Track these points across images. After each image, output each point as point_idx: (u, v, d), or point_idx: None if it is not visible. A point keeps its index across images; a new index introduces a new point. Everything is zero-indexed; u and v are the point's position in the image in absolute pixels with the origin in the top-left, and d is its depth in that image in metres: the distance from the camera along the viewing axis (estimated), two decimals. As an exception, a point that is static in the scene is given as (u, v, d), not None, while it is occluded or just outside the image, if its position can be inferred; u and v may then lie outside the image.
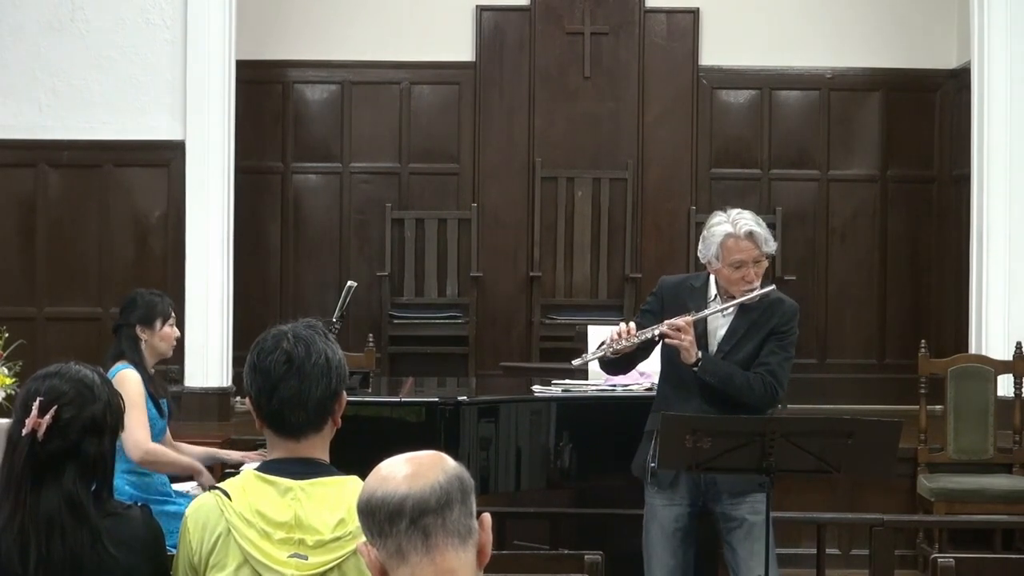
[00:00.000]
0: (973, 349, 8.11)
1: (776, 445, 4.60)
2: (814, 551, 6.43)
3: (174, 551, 2.88)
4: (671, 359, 5.05)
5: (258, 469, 2.87)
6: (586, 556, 4.18)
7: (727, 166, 9.79)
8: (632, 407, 5.49)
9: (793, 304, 5.13)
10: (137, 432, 5.20)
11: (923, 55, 9.65)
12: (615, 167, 9.71)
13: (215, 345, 8.20)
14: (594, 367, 5.48)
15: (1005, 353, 7.55)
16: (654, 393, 5.30)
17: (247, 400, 2.91)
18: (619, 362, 5.12)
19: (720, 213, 5.08)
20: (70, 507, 2.76)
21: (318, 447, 2.86)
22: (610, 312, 8.96)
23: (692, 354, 4.91)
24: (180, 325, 5.91)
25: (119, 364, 5.32)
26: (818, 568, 6.28)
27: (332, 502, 2.77)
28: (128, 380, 5.21)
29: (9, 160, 8.43)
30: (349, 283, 6.29)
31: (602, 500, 6.22)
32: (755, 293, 4.98)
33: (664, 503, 5.05)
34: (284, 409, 2.83)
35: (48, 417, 2.78)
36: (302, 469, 2.82)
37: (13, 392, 5.97)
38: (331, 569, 2.75)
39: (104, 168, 8.45)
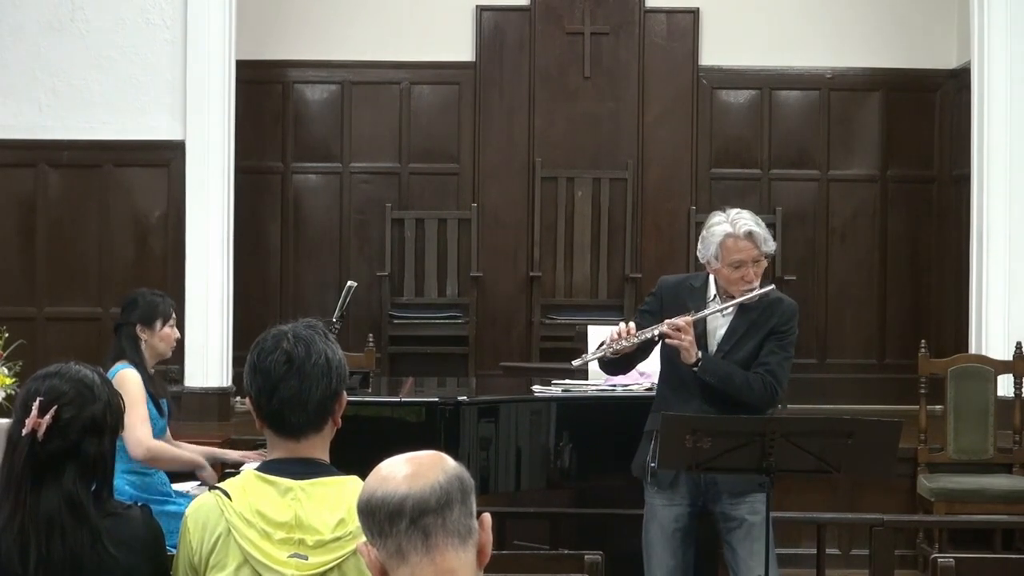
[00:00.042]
0: (973, 349, 8.11)
1: (776, 445, 4.60)
2: (814, 551, 6.43)
3: (174, 551, 2.88)
4: (671, 359, 5.04)
5: (258, 469, 2.87)
6: (586, 556, 4.18)
7: (727, 166, 9.79)
8: (632, 407, 5.49)
9: (792, 304, 5.13)
10: (139, 430, 5.21)
11: (923, 55, 9.65)
12: (615, 167, 9.71)
13: (215, 345, 8.20)
14: (594, 367, 5.48)
15: (1005, 353, 7.55)
16: (654, 393, 5.29)
17: (247, 400, 2.91)
18: (618, 362, 5.11)
19: (719, 213, 5.08)
20: (70, 507, 2.76)
21: (318, 447, 2.86)
22: (610, 312, 8.96)
23: (692, 354, 4.91)
24: (180, 325, 5.92)
25: (119, 364, 5.33)
26: (818, 568, 6.28)
27: (332, 502, 2.77)
28: (128, 379, 5.22)
29: (9, 160, 8.43)
30: (349, 283, 6.29)
31: (602, 500, 6.21)
32: (754, 293, 4.98)
33: (664, 503, 5.05)
34: (284, 409, 2.83)
35: (48, 417, 2.78)
36: (302, 469, 2.82)
37: (13, 392, 5.97)
38: (331, 569, 2.75)
39: (104, 168, 8.45)
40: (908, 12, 9.66)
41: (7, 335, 6.52)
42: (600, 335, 5.29)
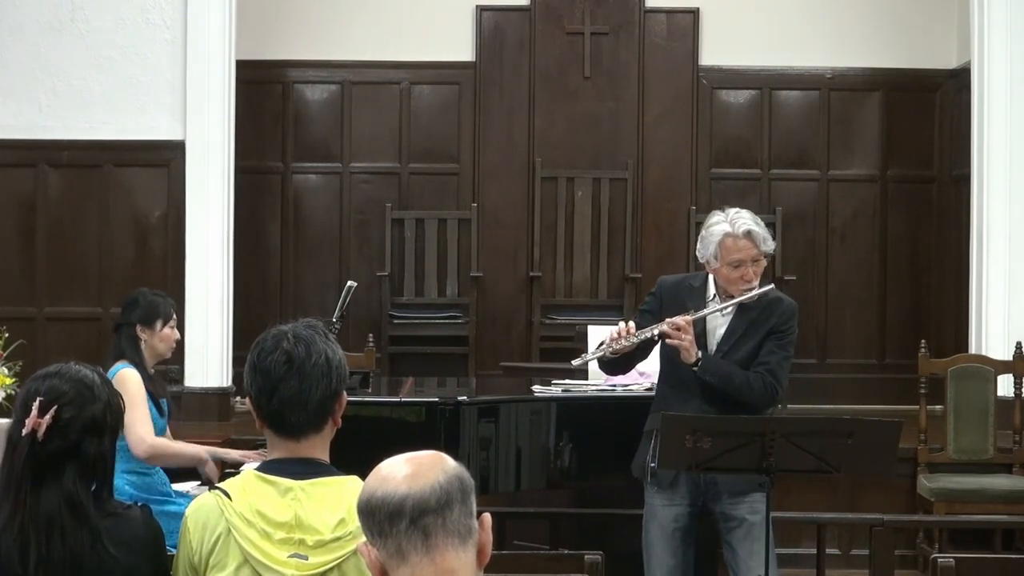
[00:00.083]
0: (973, 349, 8.11)
1: (776, 445, 4.60)
2: (814, 551, 6.43)
3: (174, 551, 2.88)
4: (670, 359, 5.04)
5: (258, 469, 2.87)
6: (586, 556, 4.18)
7: (727, 166, 9.79)
8: (632, 407, 5.49)
9: (792, 303, 5.13)
10: (140, 428, 5.22)
11: (923, 55, 9.65)
12: (615, 167, 9.71)
13: (215, 345, 8.20)
14: (594, 367, 5.48)
15: (1005, 353, 7.55)
16: (654, 393, 5.29)
17: (247, 400, 2.91)
18: (618, 362, 5.11)
19: (718, 212, 5.08)
20: (70, 507, 2.76)
21: (318, 447, 2.86)
22: (610, 312, 8.95)
23: (692, 353, 4.91)
24: (180, 325, 5.92)
25: (119, 364, 5.33)
26: (818, 568, 6.28)
27: (332, 502, 2.77)
28: (128, 378, 5.23)
29: (9, 160, 8.43)
30: (349, 283, 6.29)
31: (602, 500, 6.21)
32: (754, 292, 4.98)
33: (664, 503, 5.05)
34: (284, 409, 2.83)
35: (48, 417, 2.78)
36: (302, 469, 2.82)
37: (13, 392, 5.97)
38: (331, 569, 2.75)
39: (104, 168, 8.45)
40: (908, 12, 9.66)
41: (7, 335, 6.52)
42: (600, 335, 5.29)
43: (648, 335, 4.96)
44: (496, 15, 9.75)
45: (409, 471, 2.18)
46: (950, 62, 9.54)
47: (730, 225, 4.95)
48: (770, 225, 5.41)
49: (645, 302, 5.26)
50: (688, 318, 4.92)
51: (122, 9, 8.32)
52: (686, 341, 4.90)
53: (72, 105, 8.33)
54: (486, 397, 5.98)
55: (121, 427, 2.91)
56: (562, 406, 5.82)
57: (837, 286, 9.72)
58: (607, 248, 9.69)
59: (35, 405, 2.78)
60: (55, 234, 8.48)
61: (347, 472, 2.82)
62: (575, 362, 5.32)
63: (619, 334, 4.96)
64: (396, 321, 9.41)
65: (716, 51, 9.74)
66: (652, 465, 4.95)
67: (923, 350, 7.31)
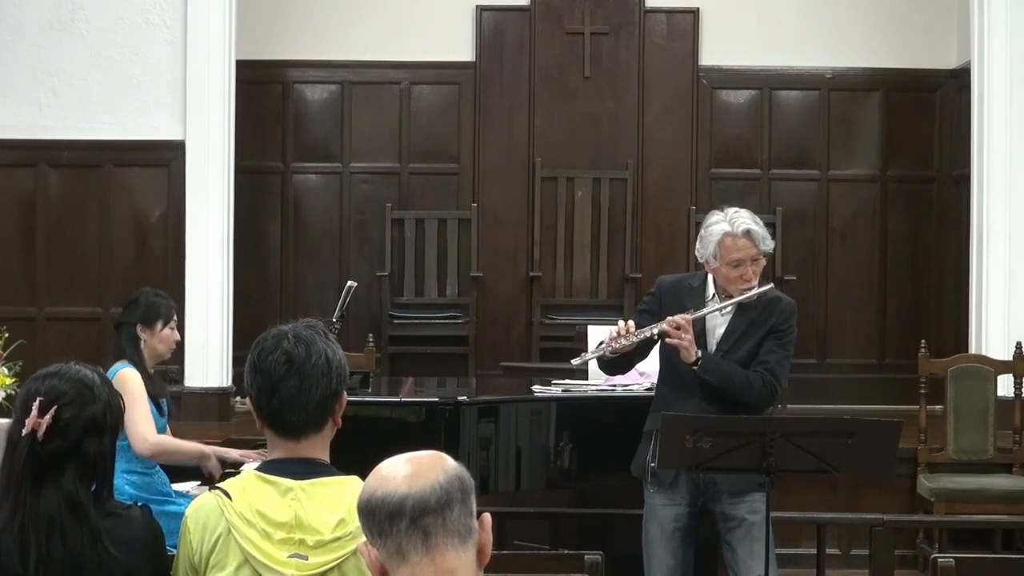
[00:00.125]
0: (973, 349, 8.11)
1: (776, 445, 4.59)
2: (814, 551, 6.43)
3: (174, 551, 2.88)
4: (670, 359, 5.04)
5: (258, 469, 2.87)
6: (586, 556, 4.17)
7: (727, 166, 9.79)
8: (632, 407, 5.49)
9: (791, 302, 5.13)
10: (142, 426, 5.23)
11: (923, 55, 9.66)
12: (615, 167, 9.71)
13: (215, 345, 8.20)
14: (594, 367, 5.48)
15: (1005, 353, 7.55)
16: (654, 393, 5.29)
17: (247, 400, 2.91)
18: (617, 362, 5.11)
19: (717, 212, 5.08)
20: (70, 507, 2.76)
21: (318, 447, 2.86)
22: (610, 312, 8.95)
23: (692, 353, 4.91)
24: (180, 325, 5.91)
25: (119, 363, 5.33)
26: (818, 568, 6.28)
27: (332, 502, 2.77)
28: (128, 378, 5.23)
29: (9, 160, 8.43)
30: (349, 283, 6.29)
31: (602, 500, 6.21)
32: (753, 292, 4.97)
33: (664, 503, 5.05)
34: (284, 409, 2.83)
35: (48, 417, 2.78)
36: (302, 469, 2.82)
37: (13, 392, 5.97)
38: (331, 569, 2.75)
39: (104, 168, 8.45)
40: (908, 12, 9.66)
41: (7, 335, 6.52)
42: (600, 335, 5.28)
43: (648, 334, 4.95)
44: (496, 15, 9.75)
45: (409, 471, 2.18)
46: (950, 62, 9.54)
47: (729, 224, 4.95)
48: (770, 225, 5.41)
49: (644, 302, 5.25)
50: (688, 317, 4.92)
51: (122, 9, 8.32)
52: (686, 340, 4.90)
53: (72, 105, 8.33)
54: (486, 397, 5.98)
55: (121, 427, 2.91)
56: (562, 406, 5.82)
57: (837, 286, 9.72)
58: (607, 248, 9.69)
59: (35, 405, 2.78)
60: (55, 234, 8.48)
61: (347, 472, 2.82)
62: (575, 362, 5.32)
63: (618, 333, 4.96)
64: (396, 321, 9.41)
65: (716, 51, 9.74)
66: (652, 465, 4.95)
67: (923, 350, 7.31)
